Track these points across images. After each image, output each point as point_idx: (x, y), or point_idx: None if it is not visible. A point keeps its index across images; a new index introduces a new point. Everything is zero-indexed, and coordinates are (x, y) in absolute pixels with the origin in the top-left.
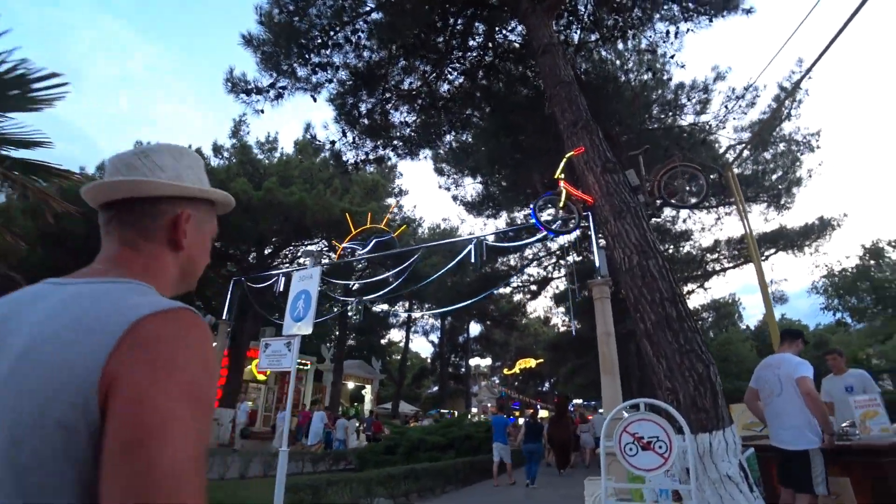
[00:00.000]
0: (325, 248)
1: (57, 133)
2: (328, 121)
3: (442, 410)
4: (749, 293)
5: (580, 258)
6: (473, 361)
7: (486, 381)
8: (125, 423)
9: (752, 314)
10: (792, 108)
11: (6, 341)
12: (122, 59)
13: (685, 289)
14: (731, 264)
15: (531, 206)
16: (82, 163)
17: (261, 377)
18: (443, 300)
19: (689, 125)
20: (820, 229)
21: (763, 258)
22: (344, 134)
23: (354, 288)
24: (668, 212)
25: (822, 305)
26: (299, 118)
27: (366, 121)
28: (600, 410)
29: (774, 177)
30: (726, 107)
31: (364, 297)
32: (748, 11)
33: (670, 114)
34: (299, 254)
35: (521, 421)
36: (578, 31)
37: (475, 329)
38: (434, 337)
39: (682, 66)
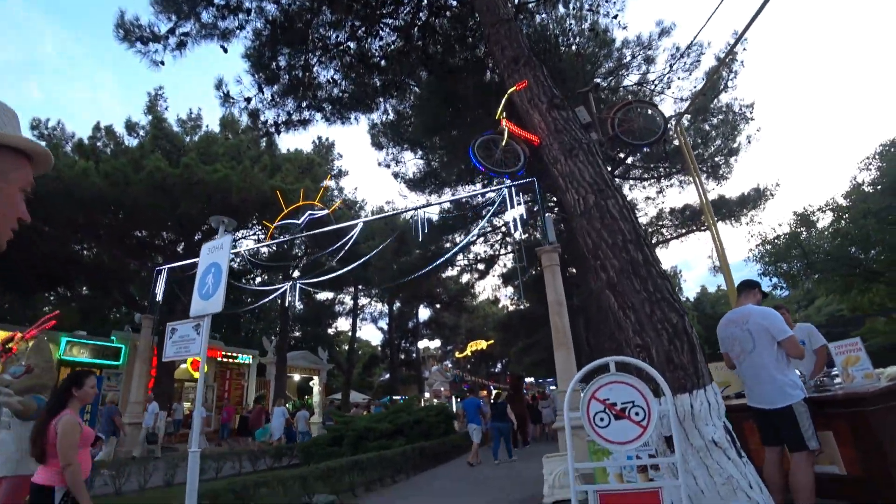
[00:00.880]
0: (257, 231)
1: None
2: (241, 73)
3: (395, 397)
4: (686, 269)
5: (526, 235)
6: (423, 344)
7: (438, 364)
8: None
9: (689, 287)
10: (728, 80)
11: None
12: (31, 43)
13: None
14: (673, 234)
15: (470, 146)
16: None
17: (196, 374)
18: (388, 283)
19: (635, 85)
20: (755, 198)
21: (703, 228)
22: (261, 90)
23: (294, 275)
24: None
25: (759, 272)
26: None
27: (286, 77)
28: (551, 388)
29: (713, 147)
30: (671, 65)
31: (300, 280)
32: None
33: (615, 74)
34: (237, 237)
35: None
36: None
37: (424, 314)
38: (383, 324)
39: (625, 28)
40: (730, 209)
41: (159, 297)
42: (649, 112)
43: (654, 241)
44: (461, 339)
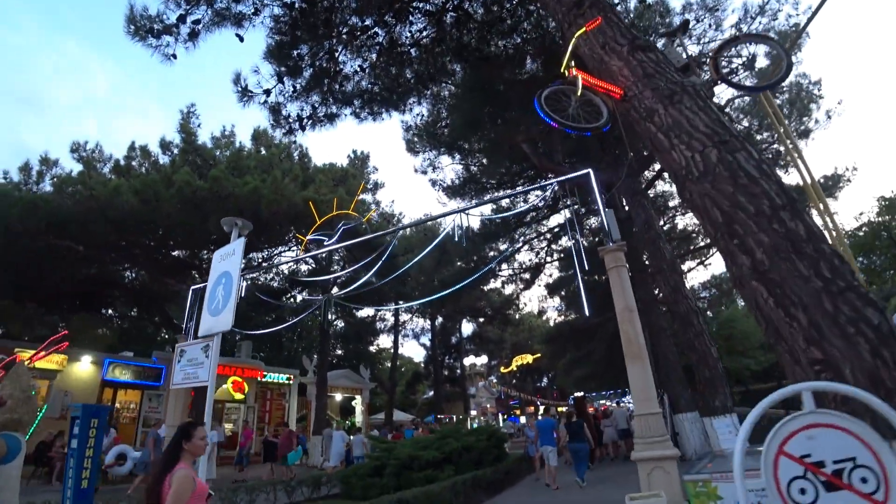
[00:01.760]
0: (293, 247)
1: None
2: (258, 62)
3: (439, 416)
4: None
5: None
6: (468, 361)
7: (484, 380)
8: None
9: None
10: (793, 53)
11: None
12: (86, 81)
13: (684, 267)
14: None
15: (535, 98)
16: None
17: (238, 395)
18: (430, 296)
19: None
20: (831, 186)
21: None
22: (280, 80)
23: (332, 291)
24: (660, 186)
25: None
26: (255, 115)
27: (309, 68)
28: (620, 401)
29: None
30: (738, 28)
31: (336, 293)
32: None
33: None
34: (273, 253)
35: (523, 419)
36: None
37: (468, 329)
38: (426, 340)
39: None
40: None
41: (192, 318)
42: (764, 48)
43: (697, 246)
44: (506, 353)
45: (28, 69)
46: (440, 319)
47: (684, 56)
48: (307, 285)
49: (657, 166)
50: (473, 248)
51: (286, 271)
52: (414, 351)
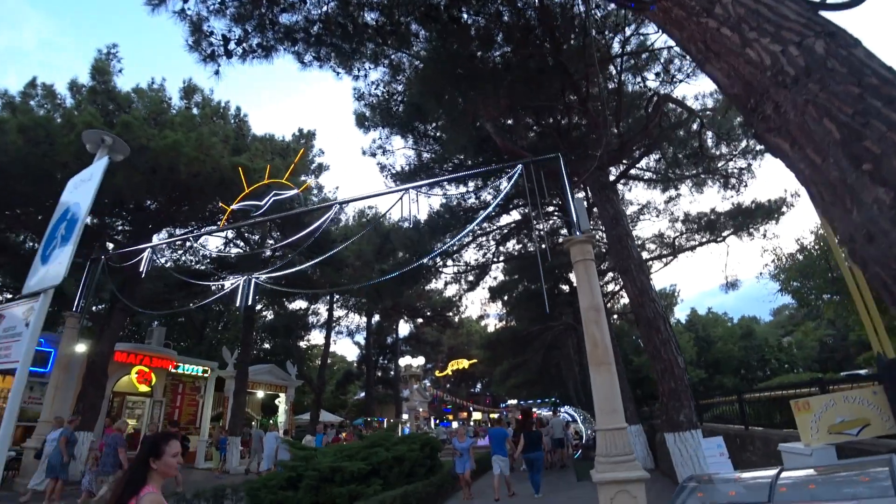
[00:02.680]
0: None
1: None
2: None
3: (369, 419)
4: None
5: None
6: (404, 361)
7: (418, 383)
8: None
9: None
10: None
11: None
12: (11, 29)
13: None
14: (685, 244)
15: None
16: None
17: (143, 387)
18: (369, 291)
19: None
20: (772, 210)
21: (719, 239)
22: None
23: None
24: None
25: (777, 289)
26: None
27: None
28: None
29: (740, 146)
30: None
31: (263, 274)
32: None
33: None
34: (197, 230)
35: (455, 425)
36: None
37: (405, 329)
38: (360, 338)
39: None
40: (756, 216)
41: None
42: None
43: (659, 254)
44: (442, 357)
45: None
46: (377, 318)
47: None
48: (233, 267)
49: (627, 160)
50: (419, 241)
51: (213, 252)
52: (347, 350)
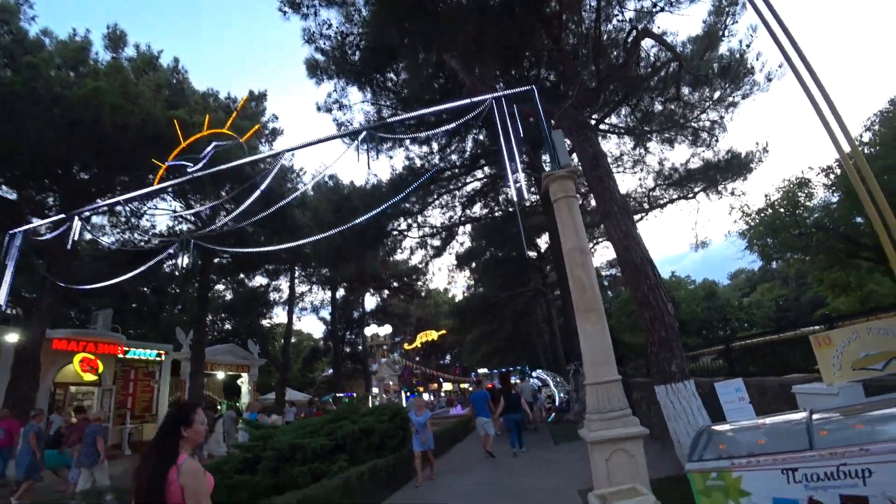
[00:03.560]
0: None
1: None
2: None
3: (338, 394)
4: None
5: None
6: (370, 331)
7: (387, 356)
8: None
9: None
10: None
11: None
12: None
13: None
14: (660, 200)
15: None
16: None
17: (88, 376)
18: (329, 255)
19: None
20: (740, 166)
21: (690, 196)
22: None
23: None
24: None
25: (742, 249)
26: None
27: None
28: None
29: (715, 96)
30: None
31: (196, 235)
32: None
33: None
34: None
35: (427, 397)
36: None
37: (371, 303)
38: (325, 314)
39: None
40: (714, 177)
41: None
42: None
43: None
44: (410, 328)
45: None
46: (342, 292)
47: None
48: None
49: (605, 104)
50: (382, 199)
51: (163, 230)
52: (314, 327)
